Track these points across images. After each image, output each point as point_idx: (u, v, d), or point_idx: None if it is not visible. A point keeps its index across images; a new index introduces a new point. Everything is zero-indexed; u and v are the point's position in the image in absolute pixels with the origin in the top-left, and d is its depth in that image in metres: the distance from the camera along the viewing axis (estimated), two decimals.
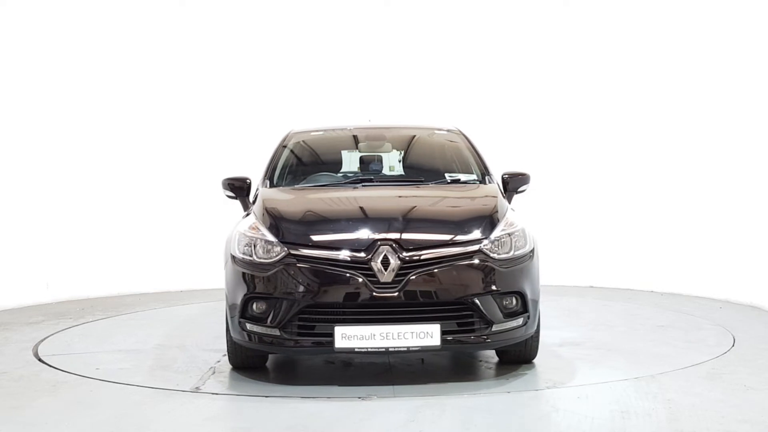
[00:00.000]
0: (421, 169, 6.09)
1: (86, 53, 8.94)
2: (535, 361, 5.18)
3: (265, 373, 5.12)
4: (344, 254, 4.54)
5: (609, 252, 9.04)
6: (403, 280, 4.46)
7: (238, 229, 4.99)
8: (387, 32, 9.61)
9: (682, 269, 8.44)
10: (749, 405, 4.27)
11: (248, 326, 4.66)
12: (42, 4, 8.67)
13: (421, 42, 9.61)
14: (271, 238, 4.72)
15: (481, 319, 4.55)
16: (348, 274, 4.49)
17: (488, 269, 4.61)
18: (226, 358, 5.17)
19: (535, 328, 4.92)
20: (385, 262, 4.47)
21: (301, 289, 4.53)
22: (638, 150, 8.96)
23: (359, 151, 6.31)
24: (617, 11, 9.10)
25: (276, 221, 4.85)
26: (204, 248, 8.39)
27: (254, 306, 4.65)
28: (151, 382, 4.93)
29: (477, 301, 4.53)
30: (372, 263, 4.48)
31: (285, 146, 6.09)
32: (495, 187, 5.50)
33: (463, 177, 5.77)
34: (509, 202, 5.44)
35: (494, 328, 4.58)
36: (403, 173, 6.05)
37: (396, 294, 4.45)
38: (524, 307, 4.72)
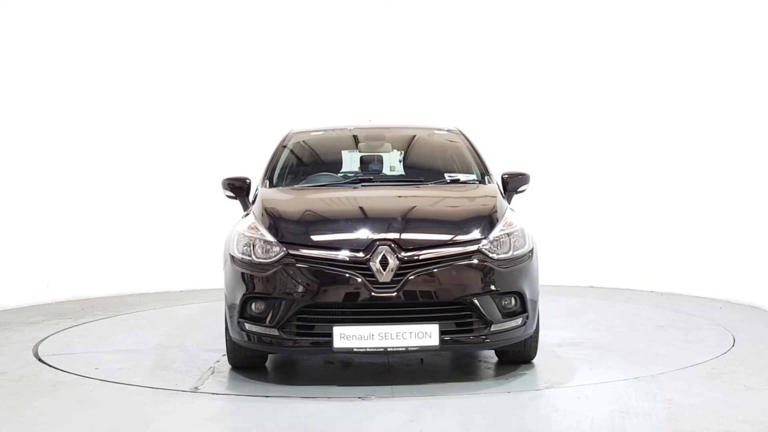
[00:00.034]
0: (421, 169, 6.08)
1: (86, 53, 8.94)
2: (535, 361, 5.18)
3: (264, 373, 5.12)
4: (343, 254, 4.54)
5: (609, 252, 9.04)
6: (401, 280, 4.46)
7: (237, 229, 4.99)
8: (387, 32, 9.61)
9: (682, 269, 8.44)
10: (749, 405, 4.27)
11: (247, 326, 4.66)
12: (42, 4, 8.67)
13: (420, 42, 9.61)
14: (269, 238, 4.72)
15: (480, 319, 4.55)
16: (347, 274, 4.49)
17: (487, 269, 4.61)
18: (226, 358, 5.17)
19: (535, 328, 4.91)
20: (384, 262, 4.47)
21: (300, 289, 4.53)
22: (638, 150, 8.95)
23: (359, 151, 6.31)
24: (617, 11, 9.10)
25: (275, 221, 4.85)
26: (204, 248, 8.39)
27: (253, 306, 4.65)
28: (150, 382, 4.93)
29: (476, 301, 4.53)
30: (371, 263, 4.48)
31: (285, 146, 6.09)
32: (494, 187, 5.50)
33: (462, 177, 5.77)
34: (509, 202, 5.44)
35: (493, 328, 4.57)
36: (403, 173, 6.05)
37: (394, 294, 4.45)
38: (523, 307, 4.71)
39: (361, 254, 4.51)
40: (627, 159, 9.04)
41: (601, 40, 9.19)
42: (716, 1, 8.32)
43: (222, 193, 5.79)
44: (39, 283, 8.47)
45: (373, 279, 4.46)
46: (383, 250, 4.50)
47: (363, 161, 6.13)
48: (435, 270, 4.52)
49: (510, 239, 4.77)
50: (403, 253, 4.51)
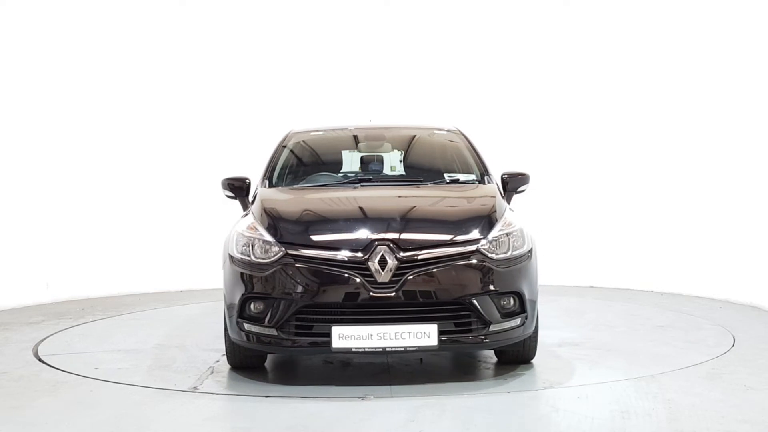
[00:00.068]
0: (421, 169, 6.08)
1: (86, 53, 8.94)
2: (534, 361, 5.17)
3: (264, 373, 5.13)
4: (342, 254, 4.54)
5: (609, 252, 9.04)
6: (400, 280, 4.46)
7: (236, 229, 4.99)
8: (387, 32, 9.61)
9: (682, 269, 8.43)
10: (749, 405, 4.27)
11: (246, 326, 4.66)
12: (42, 5, 8.67)
13: (420, 42, 9.60)
14: (268, 238, 4.72)
15: (479, 319, 4.54)
16: (345, 274, 4.49)
17: (486, 269, 4.60)
18: (225, 358, 5.17)
19: (534, 328, 4.91)
20: (383, 262, 4.47)
21: (299, 289, 4.53)
22: (638, 150, 8.95)
23: (359, 151, 6.31)
24: (617, 11, 9.10)
25: (274, 221, 4.85)
26: (204, 248, 8.38)
27: (252, 306, 4.65)
28: (150, 382, 4.93)
29: (474, 301, 4.53)
30: (369, 263, 4.47)
31: (285, 146, 6.08)
32: (494, 187, 5.50)
33: (462, 177, 5.77)
34: (509, 202, 5.44)
35: (492, 328, 4.57)
36: (403, 173, 6.05)
37: (393, 294, 4.45)
38: (522, 307, 4.71)
39: (359, 254, 4.50)
40: (626, 159, 9.03)
41: (601, 40, 9.18)
42: (716, 1, 8.32)
43: (222, 193, 5.79)
44: (39, 283, 8.47)
45: (372, 279, 4.45)
46: (382, 250, 4.50)
47: (363, 161, 6.13)
48: (434, 270, 4.52)
49: (509, 239, 4.76)
50: (401, 253, 4.51)
